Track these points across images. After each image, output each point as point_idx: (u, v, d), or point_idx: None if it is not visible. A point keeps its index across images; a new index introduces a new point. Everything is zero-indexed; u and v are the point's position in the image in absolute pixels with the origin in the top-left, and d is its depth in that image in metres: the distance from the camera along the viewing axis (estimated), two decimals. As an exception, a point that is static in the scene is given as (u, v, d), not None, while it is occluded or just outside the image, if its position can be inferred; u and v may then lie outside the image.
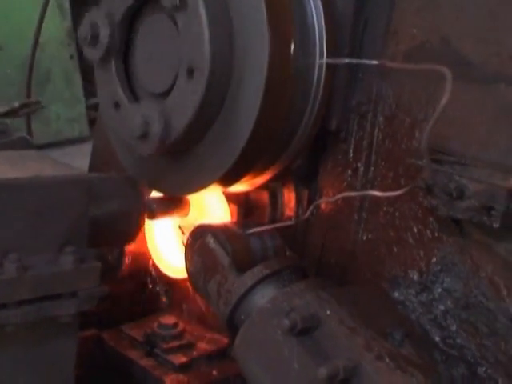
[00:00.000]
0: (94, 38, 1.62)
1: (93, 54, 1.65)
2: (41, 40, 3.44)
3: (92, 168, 2.46)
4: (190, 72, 1.51)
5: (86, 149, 5.62)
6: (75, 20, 5.60)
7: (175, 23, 1.55)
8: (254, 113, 1.52)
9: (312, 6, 1.60)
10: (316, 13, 1.60)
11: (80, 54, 5.73)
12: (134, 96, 1.68)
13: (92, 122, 5.89)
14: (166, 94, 1.58)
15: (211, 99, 1.53)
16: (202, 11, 1.46)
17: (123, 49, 1.68)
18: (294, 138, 1.68)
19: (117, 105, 1.67)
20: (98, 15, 1.62)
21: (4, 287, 1.35)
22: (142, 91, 1.69)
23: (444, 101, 1.31)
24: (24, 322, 1.38)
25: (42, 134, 4.84)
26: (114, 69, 1.67)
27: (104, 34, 1.61)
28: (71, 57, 5.62)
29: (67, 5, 5.45)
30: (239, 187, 1.76)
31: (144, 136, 1.55)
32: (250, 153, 1.58)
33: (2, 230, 1.37)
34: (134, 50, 1.69)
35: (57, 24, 5.12)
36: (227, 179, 1.65)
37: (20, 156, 1.51)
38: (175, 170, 1.71)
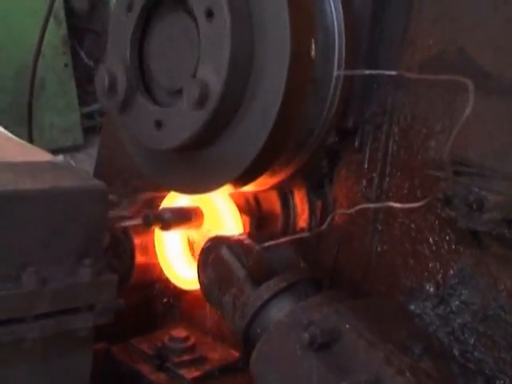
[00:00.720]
0: None
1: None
2: (35, 48, 3.41)
3: (96, 176, 2.44)
4: (201, 102, 1.51)
5: (80, 157, 5.61)
6: (70, 28, 5.59)
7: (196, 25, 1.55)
8: (272, 114, 1.52)
9: (334, 13, 1.60)
10: (337, 19, 1.59)
11: (75, 62, 5.72)
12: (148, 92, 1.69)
13: (86, 131, 5.86)
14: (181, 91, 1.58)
15: (227, 102, 1.52)
16: (228, 19, 1.46)
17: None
18: (309, 139, 1.67)
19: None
20: None
21: (23, 300, 1.32)
22: (156, 87, 1.69)
23: (467, 112, 1.29)
24: (42, 336, 1.36)
25: (36, 142, 4.80)
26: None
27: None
28: (66, 65, 5.57)
29: (62, 13, 5.42)
30: (252, 187, 1.76)
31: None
32: (267, 153, 1.58)
33: (20, 241, 1.34)
34: (150, 46, 1.69)
35: (52, 32, 5.07)
36: (242, 179, 1.64)
37: (37, 166, 1.48)
38: (191, 169, 1.70)
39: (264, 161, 1.61)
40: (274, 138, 1.55)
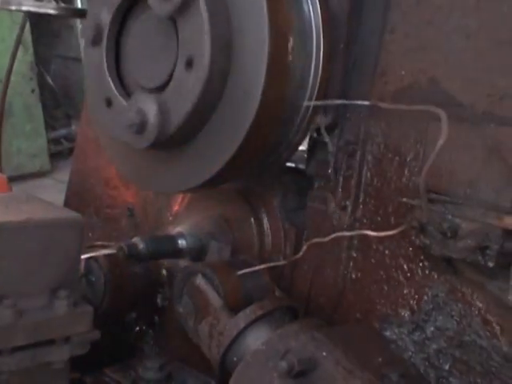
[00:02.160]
0: None
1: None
2: (2, 74, 3.40)
3: (68, 204, 2.43)
4: (189, 63, 1.50)
5: (47, 183, 5.55)
6: (37, 54, 5.57)
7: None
8: (250, 116, 1.52)
9: (314, 45, 1.61)
10: (316, 50, 1.61)
11: (42, 87, 5.69)
12: (126, 92, 1.67)
13: (53, 157, 5.82)
14: (162, 87, 1.57)
15: (209, 92, 1.51)
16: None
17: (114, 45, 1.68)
18: (286, 138, 1.68)
19: (109, 102, 1.65)
20: None
21: (0, 334, 1.30)
22: (134, 86, 1.67)
23: (441, 141, 1.31)
24: (18, 369, 1.34)
25: (3, 168, 4.75)
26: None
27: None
28: (33, 91, 5.55)
29: (29, 39, 5.41)
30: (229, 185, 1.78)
31: (140, 129, 1.54)
32: (245, 150, 1.57)
33: (-3, 274, 1.33)
34: (126, 45, 1.68)
35: (19, 58, 5.03)
36: (220, 176, 1.63)
37: (12, 198, 1.47)
38: (168, 169, 1.69)
39: (242, 158, 1.60)
40: (252, 135, 1.54)
